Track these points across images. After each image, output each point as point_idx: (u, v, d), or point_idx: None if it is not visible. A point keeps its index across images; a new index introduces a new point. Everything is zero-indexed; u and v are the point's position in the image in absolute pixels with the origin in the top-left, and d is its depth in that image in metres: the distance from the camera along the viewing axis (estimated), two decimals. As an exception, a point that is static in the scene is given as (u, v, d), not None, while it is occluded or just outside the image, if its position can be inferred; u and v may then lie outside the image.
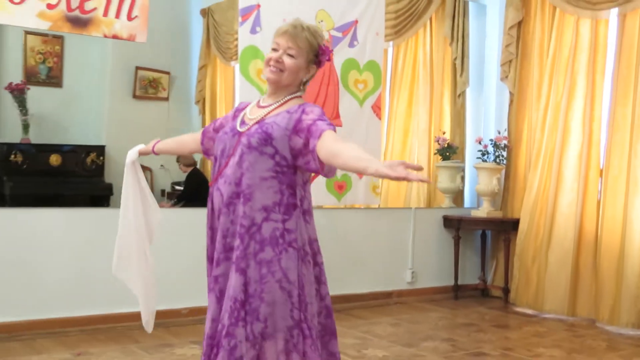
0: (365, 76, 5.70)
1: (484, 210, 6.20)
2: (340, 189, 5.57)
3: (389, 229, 6.02)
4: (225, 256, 2.46)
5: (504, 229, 6.17)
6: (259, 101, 2.60)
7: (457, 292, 6.24)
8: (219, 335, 2.43)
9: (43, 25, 4.60)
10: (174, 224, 4.94)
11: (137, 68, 7.76)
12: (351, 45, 5.63)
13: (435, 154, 6.45)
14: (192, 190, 7.08)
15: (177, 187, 7.89)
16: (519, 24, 6.18)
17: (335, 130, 2.35)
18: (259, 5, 5.21)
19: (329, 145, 2.27)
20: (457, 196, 6.58)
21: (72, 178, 7.29)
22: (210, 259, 2.59)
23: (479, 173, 6.23)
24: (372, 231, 5.91)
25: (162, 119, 7.85)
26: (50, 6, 4.60)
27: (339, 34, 5.57)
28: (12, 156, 6.99)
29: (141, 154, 2.97)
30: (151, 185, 7.71)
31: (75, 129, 7.62)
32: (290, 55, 2.49)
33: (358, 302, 5.74)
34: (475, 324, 5.32)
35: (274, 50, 2.52)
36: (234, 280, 2.41)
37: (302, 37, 2.50)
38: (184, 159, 7.20)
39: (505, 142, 6.18)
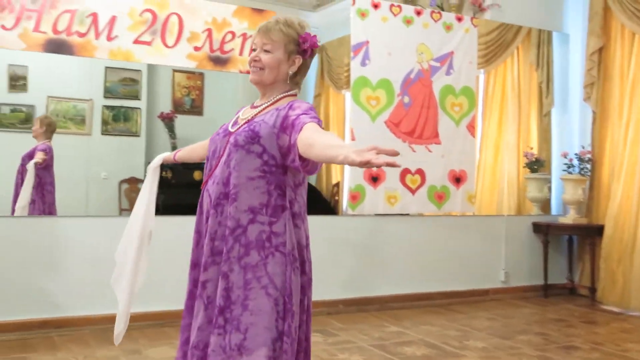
0: (460, 100, 5.60)
1: (571, 217, 5.93)
2: (440, 198, 5.47)
3: (484, 234, 5.85)
4: (213, 260, 2.03)
5: (589, 234, 5.88)
6: (253, 103, 2.20)
7: (546, 291, 5.98)
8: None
9: (191, 65, 4.78)
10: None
11: (263, 98, 7.93)
12: (448, 73, 5.54)
13: (524, 167, 6.24)
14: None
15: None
16: (600, 50, 5.90)
17: (320, 125, 1.91)
18: (368, 42, 5.21)
19: (307, 136, 1.83)
20: (545, 205, 6.34)
21: (187, 190, 7.47)
22: (193, 264, 2.15)
23: (565, 184, 5.98)
24: (469, 236, 5.76)
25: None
26: (196, 48, 4.77)
27: (437, 64, 5.50)
28: (164, 172, 7.22)
29: (165, 161, 2.64)
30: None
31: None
32: (266, 51, 2.08)
33: (458, 299, 5.60)
34: (565, 319, 5.08)
35: (253, 50, 2.13)
36: (219, 285, 1.99)
37: (276, 30, 2.08)
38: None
39: (589, 155, 5.93)
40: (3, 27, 4.20)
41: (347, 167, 6.69)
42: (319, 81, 8.16)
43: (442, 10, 5.73)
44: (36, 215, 5.04)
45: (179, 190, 7.24)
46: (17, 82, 6.22)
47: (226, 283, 1.96)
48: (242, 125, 2.07)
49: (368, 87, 5.21)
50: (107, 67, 6.51)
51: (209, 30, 4.81)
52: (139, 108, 6.93)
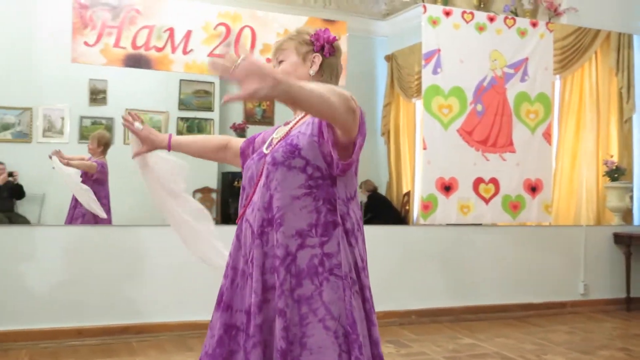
0: (536, 107, 5.48)
1: (655, 228, 5.70)
2: (515, 208, 5.36)
3: (562, 244, 5.68)
4: (265, 298, 1.74)
5: (675, 246, 5.63)
6: (287, 121, 2.00)
7: (629, 304, 5.75)
8: None
9: (263, 77, 4.86)
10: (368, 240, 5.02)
11: (333, 107, 7.98)
12: (522, 80, 5.43)
13: (603, 175, 6.03)
14: (373, 210, 7.17)
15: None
16: (685, 52, 5.66)
17: (358, 115, 1.72)
18: (439, 50, 5.17)
19: None
20: (626, 214, 6.10)
21: None
22: (225, 306, 1.86)
23: (648, 193, 5.75)
24: (546, 246, 5.61)
25: (354, 149, 7.98)
26: (268, 60, 4.84)
27: (512, 70, 5.40)
28: (235, 182, 7.41)
29: (156, 147, 2.25)
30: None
31: (282, 158, 7.90)
32: (281, 62, 1.96)
33: (534, 311, 5.45)
34: (650, 335, 4.88)
35: None
36: (277, 325, 1.72)
37: (284, 41, 1.98)
38: (365, 185, 7.34)
39: (675, 163, 5.67)
40: (86, 43, 4.41)
41: (417, 177, 6.64)
42: (388, 90, 8.14)
43: (516, 15, 5.62)
44: (119, 225, 5.22)
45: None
46: (97, 95, 6.48)
47: (284, 322, 1.70)
48: (277, 143, 1.87)
49: (440, 96, 5.17)
50: (181, 80, 6.71)
51: (281, 42, 4.90)
52: (212, 119, 7.09)
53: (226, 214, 7.25)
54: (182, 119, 6.90)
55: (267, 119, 8.00)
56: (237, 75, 1.41)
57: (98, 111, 6.49)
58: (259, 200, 1.79)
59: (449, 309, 5.21)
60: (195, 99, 6.98)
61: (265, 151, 1.90)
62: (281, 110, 8.00)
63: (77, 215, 5.14)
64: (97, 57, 4.44)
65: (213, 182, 7.05)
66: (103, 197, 5.30)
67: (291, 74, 1.89)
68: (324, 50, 1.94)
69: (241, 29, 4.78)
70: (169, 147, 2.24)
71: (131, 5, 4.47)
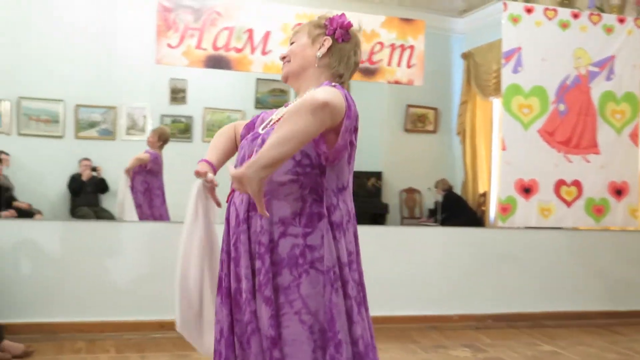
0: (622, 107, 5.27)
1: None
2: (599, 212, 5.18)
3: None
4: (255, 283, 1.74)
5: None
6: (287, 103, 1.97)
7: None
8: None
9: (340, 77, 4.89)
10: (439, 240, 5.01)
11: (408, 106, 7.91)
12: (608, 78, 5.24)
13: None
14: (449, 210, 7.08)
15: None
16: None
17: (322, 101, 1.59)
18: (520, 48, 5.06)
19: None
20: None
21: (358, 198, 7.58)
22: (227, 291, 1.81)
23: None
24: (632, 252, 5.40)
25: (429, 149, 7.90)
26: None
27: (596, 69, 5.22)
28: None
29: (207, 179, 1.92)
30: (420, 205, 7.82)
31: (358, 157, 7.92)
32: (292, 43, 1.94)
33: (618, 319, 5.25)
34: None
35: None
36: (263, 312, 1.70)
37: (301, 26, 1.96)
38: (441, 184, 7.27)
39: None
40: (169, 45, 4.54)
41: (495, 178, 6.52)
42: (465, 88, 8.02)
43: (602, 11, 5.43)
44: (170, 221, 5.33)
45: (355, 199, 7.42)
46: (178, 94, 6.69)
47: (271, 310, 1.68)
48: (272, 125, 1.82)
49: (520, 95, 5.05)
50: (258, 79, 6.82)
51: (359, 42, 4.91)
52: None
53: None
54: (258, 117, 7.02)
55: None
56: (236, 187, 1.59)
57: (178, 110, 6.69)
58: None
59: (527, 314, 5.10)
60: (271, 97, 7.09)
61: (260, 132, 1.85)
62: (355, 109, 8.01)
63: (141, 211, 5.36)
64: (180, 59, 4.57)
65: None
66: (156, 188, 5.47)
67: (298, 55, 1.88)
68: (335, 35, 1.88)
69: (319, 29, 4.81)
70: (214, 172, 2.00)
71: (212, 8, 4.58)
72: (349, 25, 1.90)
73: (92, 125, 6.34)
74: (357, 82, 7.19)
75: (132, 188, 5.31)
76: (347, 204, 1.81)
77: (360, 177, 7.67)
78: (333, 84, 1.82)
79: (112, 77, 6.13)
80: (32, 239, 4.29)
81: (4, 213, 5.09)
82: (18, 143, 6.03)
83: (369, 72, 4.96)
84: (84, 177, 6.11)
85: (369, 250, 4.72)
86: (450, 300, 4.94)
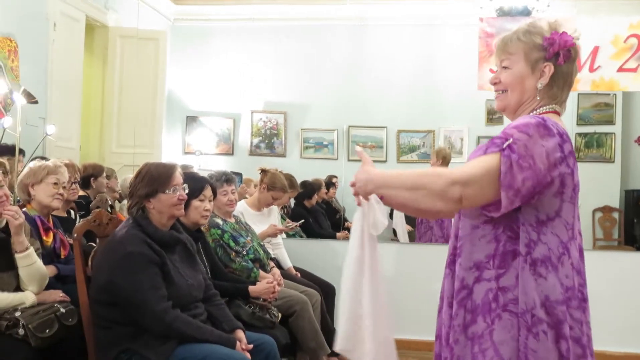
0: None
1: None
2: None
3: None
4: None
5: None
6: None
7: None
8: None
9: None
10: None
11: None
12: None
13: None
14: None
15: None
16: None
17: (484, 155, 1.51)
18: None
19: None
20: None
21: None
22: (436, 336, 1.77)
23: None
24: None
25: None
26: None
27: None
28: (640, 201, 6.83)
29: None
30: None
31: None
32: (505, 68, 1.69)
33: None
34: None
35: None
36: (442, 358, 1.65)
37: (512, 41, 1.67)
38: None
39: None
40: (491, 70, 4.60)
41: None
42: None
43: None
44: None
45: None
46: (494, 115, 6.71)
47: (450, 358, 1.61)
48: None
49: None
50: (579, 94, 6.51)
51: None
52: (613, 133, 6.72)
53: (630, 235, 6.76)
54: (579, 134, 6.68)
55: None
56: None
57: (494, 130, 6.71)
58: (455, 225, 1.69)
59: None
60: (594, 112, 6.70)
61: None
62: None
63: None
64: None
65: (615, 201, 6.66)
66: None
67: (516, 87, 1.69)
68: (558, 58, 1.65)
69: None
70: None
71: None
72: (572, 44, 1.67)
73: (412, 149, 6.70)
74: None
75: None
76: (558, 236, 1.57)
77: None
78: (540, 114, 1.66)
79: (432, 102, 6.44)
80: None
81: (339, 234, 5.64)
82: (346, 168, 6.64)
83: None
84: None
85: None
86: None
